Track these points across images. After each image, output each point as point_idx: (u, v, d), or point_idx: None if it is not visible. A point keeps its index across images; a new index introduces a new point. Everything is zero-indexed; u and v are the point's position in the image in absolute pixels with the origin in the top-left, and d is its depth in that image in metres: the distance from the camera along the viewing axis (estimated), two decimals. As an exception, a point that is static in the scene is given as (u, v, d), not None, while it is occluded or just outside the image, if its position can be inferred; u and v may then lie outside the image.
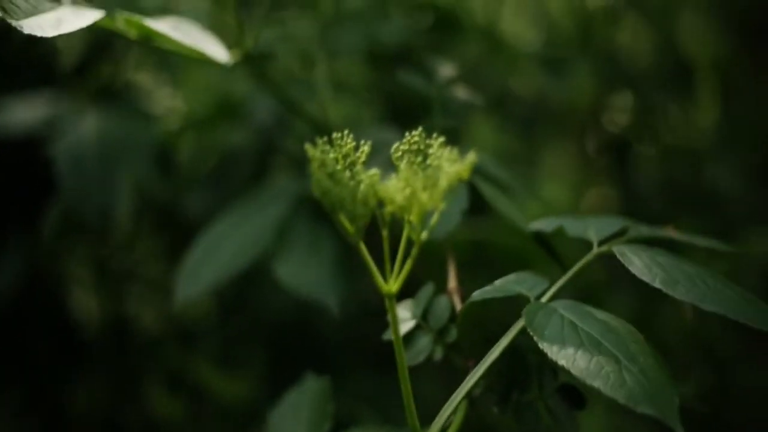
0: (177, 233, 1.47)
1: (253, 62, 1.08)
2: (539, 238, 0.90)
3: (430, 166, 0.66)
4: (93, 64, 1.48)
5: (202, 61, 0.98)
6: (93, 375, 1.52)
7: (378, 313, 0.92)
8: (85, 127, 1.30)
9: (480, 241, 1.20)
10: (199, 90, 1.46)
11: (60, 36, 1.41)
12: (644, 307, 1.39)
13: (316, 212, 1.08)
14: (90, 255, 1.58)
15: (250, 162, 1.33)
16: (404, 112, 1.22)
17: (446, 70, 1.08)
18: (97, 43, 1.46)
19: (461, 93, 1.06)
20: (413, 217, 0.65)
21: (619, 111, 1.79)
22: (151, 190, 1.45)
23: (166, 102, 1.51)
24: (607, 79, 1.72)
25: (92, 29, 1.29)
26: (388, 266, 0.67)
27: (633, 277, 0.75)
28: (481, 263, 1.25)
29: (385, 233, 0.66)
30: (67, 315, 1.55)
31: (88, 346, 1.54)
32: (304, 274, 1.04)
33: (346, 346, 1.39)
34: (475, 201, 0.96)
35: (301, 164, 1.20)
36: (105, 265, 1.58)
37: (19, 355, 1.49)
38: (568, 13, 1.77)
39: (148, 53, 1.39)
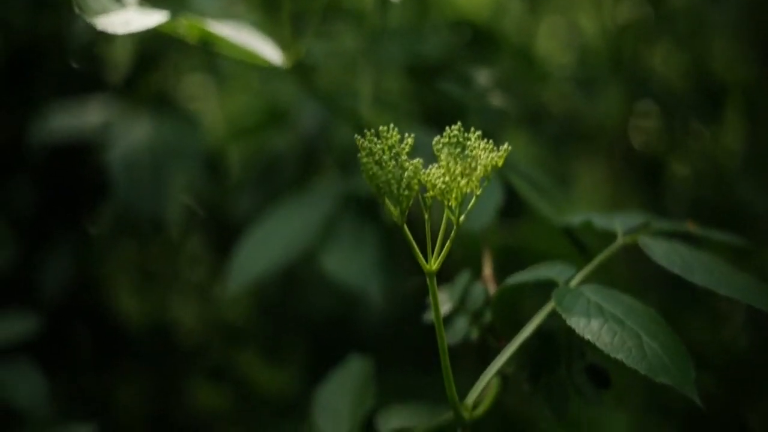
0: (222, 235, 1.53)
1: (303, 70, 1.15)
2: (568, 232, 0.96)
3: (468, 155, 0.72)
4: (143, 72, 1.53)
5: (253, 66, 1.04)
6: (140, 370, 1.58)
7: (416, 310, 0.98)
8: (138, 133, 1.35)
9: (513, 245, 1.25)
10: (245, 97, 1.52)
11: (110, 45, 1.49)
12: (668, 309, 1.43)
13: (360, 210, 1.14)
14: (136, 257, 1.63)
15: (294, 165, 1.40)
16: (442, 121, 1.28)
17: (483, 78, 1.15)
18: (145, 51, 1.52)
19: (497, 100, 1.12)
20: (452, 202, 0.71)
21: (650, 131, 1.83)
22: (200, 194, 1.50)
23: (214, 108, 1.57)
24: (637, 99, 1.77)
25: (142, 38, 1.36)
26: (429, 247, 0.73)
27: (658, 280, 0.81)
28: (513, 268, 1.30)
29: (426, 216, 0.72)
30: (113, 314, 1.60)
31: (134, 343, 1.59)
32: (349, 265, 1.10)
33: (384, 343, 1.44)
34: (509, 204, 1.03)
35: (343, 167, 1.26)
36: (150, 266, 1.64)
37: (68, 351, 1.54)
38: (600, 34, 1.82)
39: (197, 61, 1.45)
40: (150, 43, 1.47)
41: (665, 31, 1.82)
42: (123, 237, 1.58)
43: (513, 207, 1.08)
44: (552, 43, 1.84)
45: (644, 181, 1.80)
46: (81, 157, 1.49)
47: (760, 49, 1.87)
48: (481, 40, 1.42)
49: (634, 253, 0.86)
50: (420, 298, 0.95)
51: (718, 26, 1.86)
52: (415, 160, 0.71)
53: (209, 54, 1.35)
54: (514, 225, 1.22)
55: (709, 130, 1.84)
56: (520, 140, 1.63)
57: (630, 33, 1.80)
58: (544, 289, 0.83)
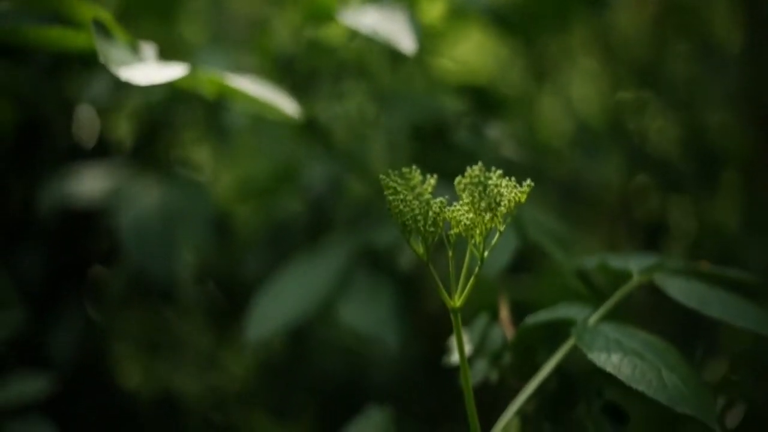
0: (231, 299, 1.54)
1: (315, 128, 1.18)
2: (582, 275, 0.98)
3: (491, 193, 0.74)
4: (149, 137, 1.55)
5: (268, 119, 1.06)
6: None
7: (425, 370, 1.00)
8: (147, 198, 1.37)
9: (524, 301, 1.27)
10: (254, 159, 1.55)
11: (119, 114, 1.51)
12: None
13: (374, 263, 1.17)
14: (144, 322, 1.64)
15: (304, 225, 1.42)
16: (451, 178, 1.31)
17: (493, 132, 1.17)
18: (152, 116, 1.54)
19: (508, 152, 1.15)
20: (477, 238, 0.73)
21: (651, 199, 1.86)
22: (209, 257, 1.52)
23: (222, 171, 1.59)
24: (637, 168, 1.80)
25: (149, 104, 1.39)
26: (453, 283, 0.74)
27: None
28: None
29: (450, 253, 0.74)
30: (120, 381, 1.61)
31: (141, 411, 1.59)
32: (366, 315, 1.12)
33: (395, 402, 1.45)
34: (521, 260, 1.05)
35: (354, 224, 1.28)
36: (158, 332, 1.64)
37: (75, 418, 1.53)
38: (600, 102, 1.85)
39: (204, 125, 1.47)
40: (157, 107, 1.49)
41: (664, 102, 1.86)
42: (132, 302, 1.59)
43: (524, 262, 1.10)
44: (554, 109, 1.87)
45: (645, 248, 1.82)
46: (89, 223, 1.51)
47: (758, 120, 1.90)
48: (485, 105, 1.45)
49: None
50: (430, 358, 0.97)
51: (717, 98, 1.89)
52: (440, 198, 0.73)
53: (216, 116, 1.38)
54: (526, 282, 1.24)
55: (708, 199, 1.86)
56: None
57: (630, 103, 1.84)
58: (560, 337, 0.84)
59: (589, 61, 1.87)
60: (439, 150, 1.26)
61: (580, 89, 1.90)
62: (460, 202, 0.73)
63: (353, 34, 1.22)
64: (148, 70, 0.92)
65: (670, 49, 1.92)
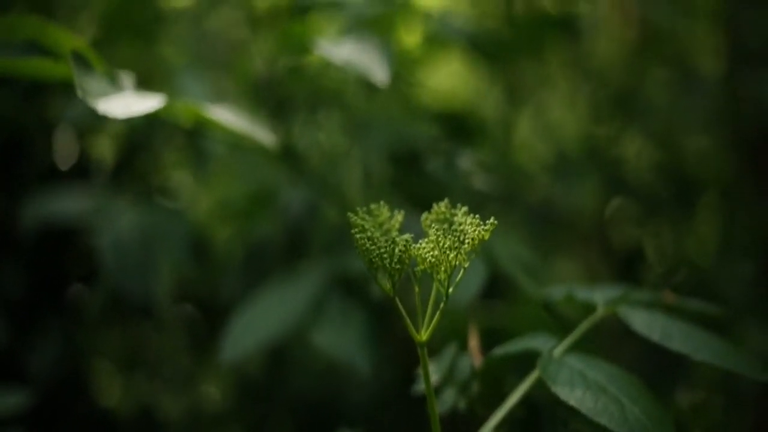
0: (208, 319, 1.55)
1: (291, 155, 1.19)
2: (549, 305, 1.00)
3: (455, 231, 0.75)
4: (129, 158, 1.56)
5: (245, 149, 1.07)
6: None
7: (400, 393, 1.01)
8: (126, 219, 1.38)
9: (494, 327, 1.28)
10: (232, 183, 1.56)
11: (99, 137, 1.52)
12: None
13: (347, 289, 1.18)
14: (122, 341, 1.65)
15: (280, 249, 1.43)
16: (426, 206, 1.32)
17: (465, 162, 1.19)
18: (132, 138, 1.55)
19: (479, 183, 1.17)
20: (442, 275, 0.74)
21: (625, 224, 1.87)
22: (186, 278, 1.53)
23: (200, 194, 1.60)
24: (613, 193, 1.81)
25: (132, 125, 1.40)
26: (420, 318, 0.76)
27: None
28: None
29: (417, 289, 0.76)
30: (98, 398, 1.62)
31: (118, 429, 1.60)
32: (338, 340, 1.14)
33: (369, 424, 1.46)
34: (492, 286, 1.06)
35: (329, 249, 1.30)
36: (136, 351, 1.65)
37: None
38: (577, 128, 1.86)
39: (183, 149, 1.48)
40: (137, 130, 1.50)
41: (643, 127, 1.87)
42: (110, 321, 1.60)
43: (496, 289, 1.12)
44: (531, 134, 1.88)
45: (620, 273, 1.83)
46: (69, 242, 1.52)
47: (737, 146, 1.91)
48: (461, 131, 1.46)
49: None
50: (403, 381, 0.98)
51: (696, 124, 1.91)
52: (405, 236, 0.74)
53: (195, 141, 1.39)
54: (496, 308, 1.26)
55: (686, 225, 1.88)
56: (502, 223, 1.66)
57: (607, 128, 1.85)
58: (527, 365, 0.86)
59: (568, 87, 1.88)
60: (414, 177, 1.28)
61: (557, 115, 1.91)
62: (426, 239, 0.75)
63: (328, 63, 1.23)
64: (125, 102, 0.92)
65: (650, 75, 1.93)
